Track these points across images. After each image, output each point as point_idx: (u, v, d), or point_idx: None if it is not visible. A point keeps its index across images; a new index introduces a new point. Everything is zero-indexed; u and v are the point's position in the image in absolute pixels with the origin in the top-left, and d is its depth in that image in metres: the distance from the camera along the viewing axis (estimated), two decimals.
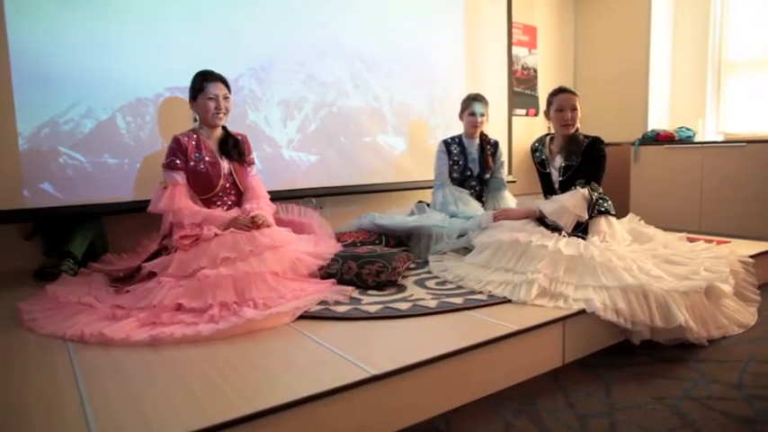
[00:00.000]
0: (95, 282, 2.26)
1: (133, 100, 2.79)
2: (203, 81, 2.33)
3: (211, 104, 2.33)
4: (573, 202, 2.43)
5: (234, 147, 2.44)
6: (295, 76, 3.33)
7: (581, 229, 2.40)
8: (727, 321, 2.08)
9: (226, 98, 2.37)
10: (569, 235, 2.33)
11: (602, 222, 2.41)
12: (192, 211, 2.23)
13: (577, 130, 2.63)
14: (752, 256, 2.54)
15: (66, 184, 2.64)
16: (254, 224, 2.23)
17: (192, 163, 2.32)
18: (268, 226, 2.28)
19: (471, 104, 3.15)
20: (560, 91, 2.62)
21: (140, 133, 2.83)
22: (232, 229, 2.16)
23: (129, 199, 2.78)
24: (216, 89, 2.33)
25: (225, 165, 2.41)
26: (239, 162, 2.46)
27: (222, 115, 2.37)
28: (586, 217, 2.41)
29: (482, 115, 3.15)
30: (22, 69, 2.50)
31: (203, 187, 2.36)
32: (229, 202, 2.43)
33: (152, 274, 2.10)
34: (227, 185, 2.42)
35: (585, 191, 2.46)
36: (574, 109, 2.57)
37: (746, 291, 2.37)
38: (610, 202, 2.50)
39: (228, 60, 2.99)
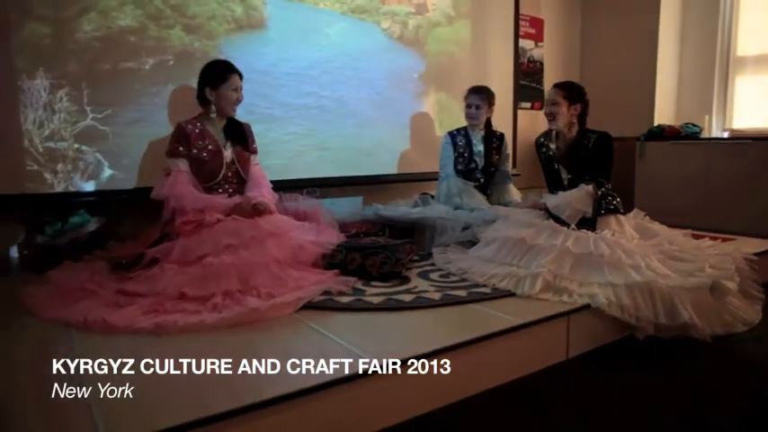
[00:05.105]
0: (98, 268, 2.25)
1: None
2: (227, 72, 2.37)
3: (234, 96, 2.38)
4: (577, 197, 2.41)
5: (237, 135, 2.44)
6: (300, 64, 3.30)
7: (588, 224, 2.38)
8: (732, 319, 2.07)
9: (241, 89, 2.42)
10: (577, 229, 2.31)
11: (612, 221, 2.38)
12: (194, 197, 2.23)
13: (585, 125, 2.61)
14: (757, 254, 2.52)
15: (70, 170, 2.62)
16: (256, 211, 2.23)
17: (194, 150, 2.31)
18: (270, 213, 2.28)
19: (469, 96, 3.13)
20: (552, 86, 2.65)
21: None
22: (234, 216, 2.16)
23: (132, 186, 2.77)
24: (238, 81, 2.39)
25: (228, 153, 2.40)
26: (242, 151, 2.45)
27: (237, 106, 2.42)
28: (590, 212, 2.40)
29: (478, 107, 3.10)
30: (25, 56, 2.47)
31: (206, 175, 2.35)
32: (231, 190, 2.42)
33: (155, 261, 2.09)
34: (230, 174, 2.41)
35: (591, 187, 2.44)
36: (554, 103, 2.57)
37: (751, 288, 2.35)
38: (618, 200, 2.48)
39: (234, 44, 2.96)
